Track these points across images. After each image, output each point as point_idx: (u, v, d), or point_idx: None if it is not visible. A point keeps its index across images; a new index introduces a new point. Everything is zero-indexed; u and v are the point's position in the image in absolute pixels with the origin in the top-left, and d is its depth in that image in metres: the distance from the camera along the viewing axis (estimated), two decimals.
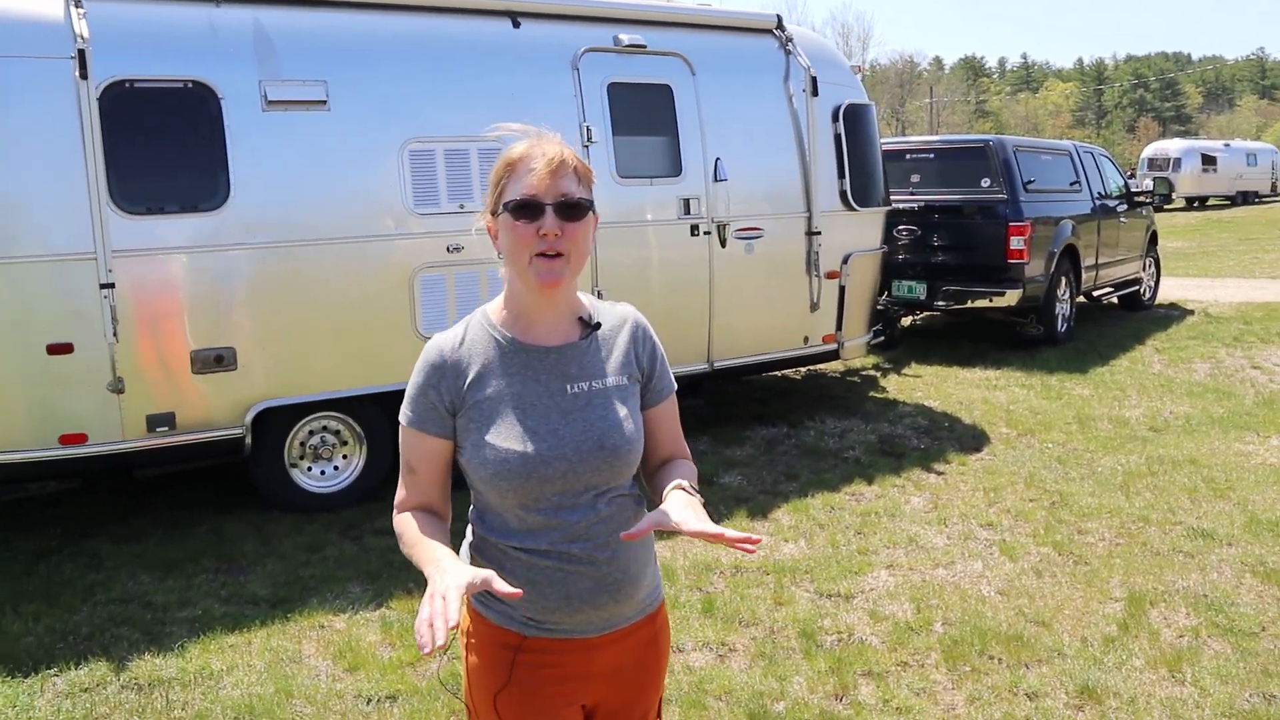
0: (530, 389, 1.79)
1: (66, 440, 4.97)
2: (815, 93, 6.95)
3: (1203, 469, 5.97)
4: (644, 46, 6.45)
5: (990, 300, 9.46)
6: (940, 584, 4.48)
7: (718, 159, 6.61)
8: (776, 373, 8.37)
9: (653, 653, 1.95)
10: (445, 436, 1.81)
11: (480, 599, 1.86)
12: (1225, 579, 4.46)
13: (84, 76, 4.74)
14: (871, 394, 8.23)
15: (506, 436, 1.75)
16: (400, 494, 1.86)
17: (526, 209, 1.72)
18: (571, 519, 1.78)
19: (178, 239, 5.07)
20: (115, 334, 4.87)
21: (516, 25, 6.11)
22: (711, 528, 1.63)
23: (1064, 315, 10.21)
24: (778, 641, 3.97)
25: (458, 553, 1.80)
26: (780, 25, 7.14)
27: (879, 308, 9.11)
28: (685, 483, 1.82)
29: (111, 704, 3.65)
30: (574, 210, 1.73)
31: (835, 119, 7.17)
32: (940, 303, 9.70)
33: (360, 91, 5.48)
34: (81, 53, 4.72)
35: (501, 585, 1.55)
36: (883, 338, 9.06)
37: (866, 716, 3.42)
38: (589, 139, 6.10)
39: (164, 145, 5.07)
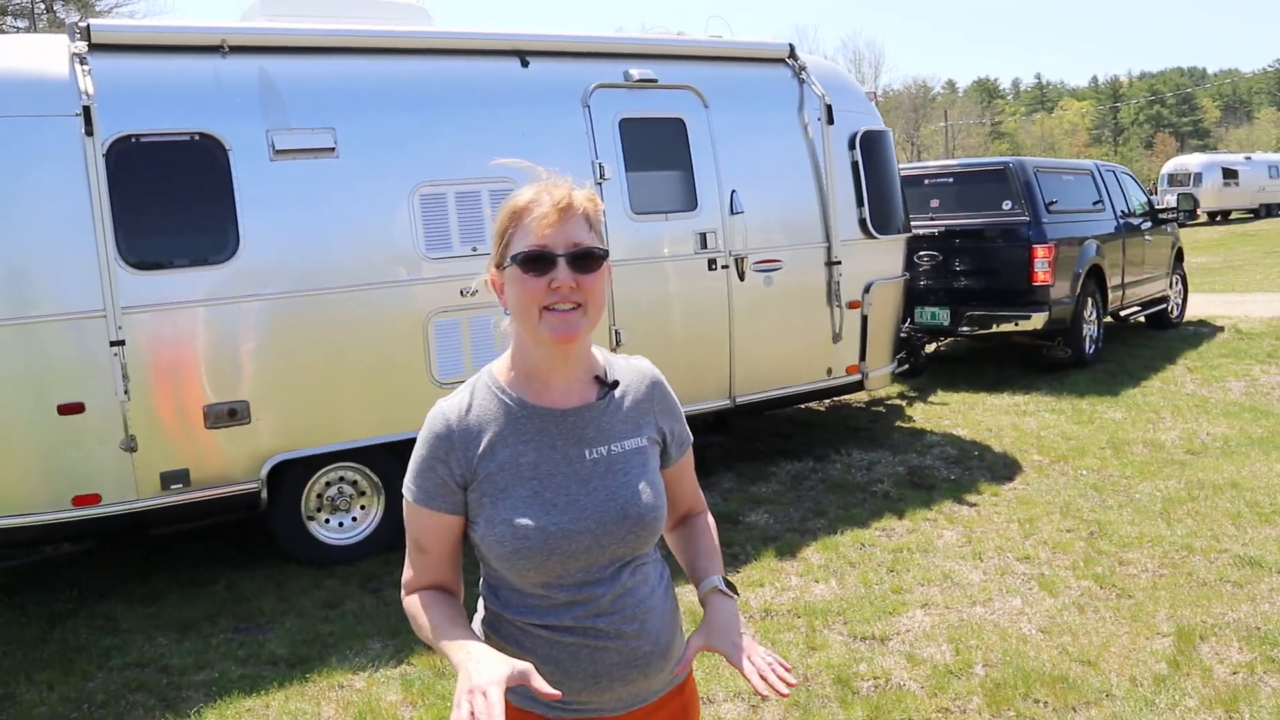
0: (546, 457, 1.67)
1: (80, 501, 4.89)
2: (831, 121, 6.85)
3: (1245, 493, 5.78)
4: (655, 81, 6.38)
5: (1016, 324, 9.29)
6: (979, 623, 4.31)
7: (733, 191, 6.52)
8: (800, 405, 8.22)
9: None
10: (456, 513, 1.68)
11: None
12: (1277, 609, 4.27)
13: (89, 133, 4.70)
14: (898, 424, 8.06)
15: (523, 511, 1.63)
16: (408, 574, 1.72)
17: (536, 261, 1.60)
18: (597, 593, 1.66)
19: (188, 293, 5.00)
20: (126, 391, 4.80)
21: (525, 64, 6.05)
22: (756, 675, 1.58)
23: (1092, 337, 10.01)
24: (812, 690, 3.81)
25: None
26: (793, 54, 7.06)
27: (902, 336, 8.98)
28: (720, 582, 1.76)
29: None
30: (587, 260, 1.62)
31: (852, 146, 7.07)
32: (964, 328, 9.53)
33: (369, 137, 5.43)
34: (87, 109, 4.69)
35: (540, 683, 1.45)
36: (907, 366, 8.90)
37: None
38: (602, 176, 6.02)
39: (172, 199, 5.02)
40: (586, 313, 1.63)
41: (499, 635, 1.71)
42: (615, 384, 1.75)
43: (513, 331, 1.71)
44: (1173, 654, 3.92)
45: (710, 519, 1.95)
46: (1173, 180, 37.56)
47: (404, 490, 1.71)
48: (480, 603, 1.77)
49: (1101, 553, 5.02)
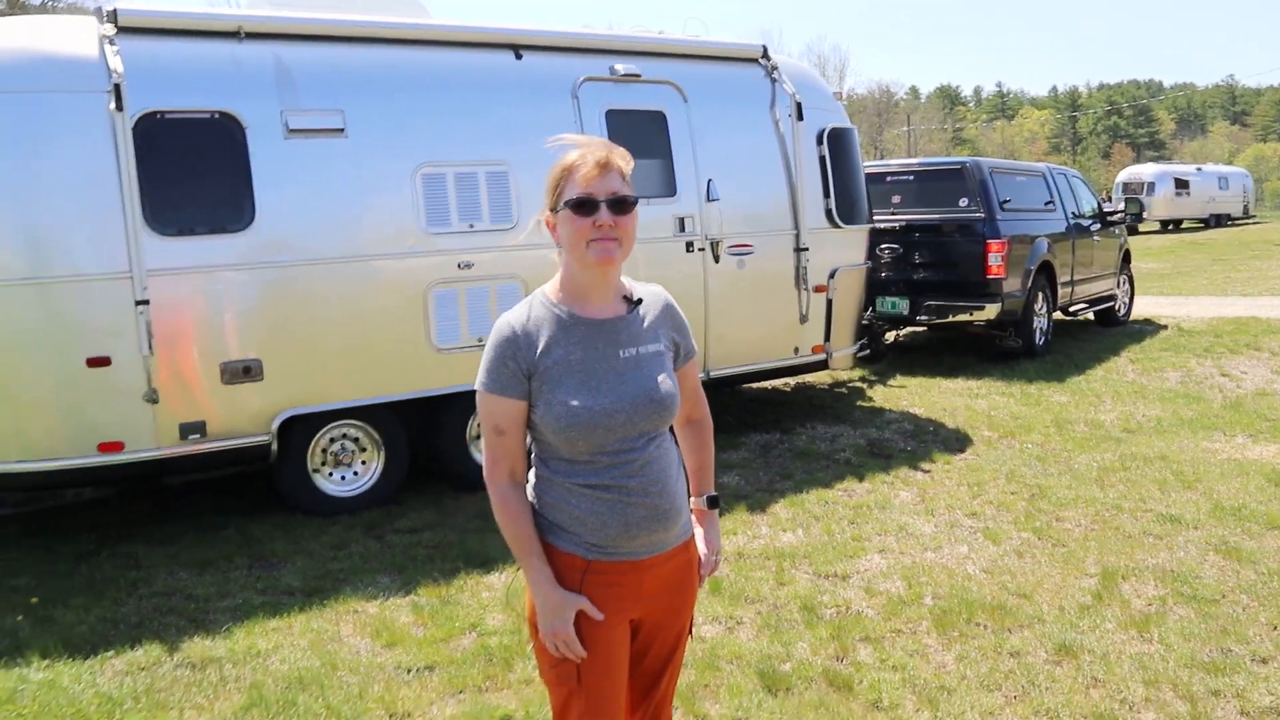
0: (590, 355, 2.13)
1: (105, 448, 5.26)
2: (800, 117, 7.35)
3: (1172, 464, 6.36)
4: (638, 76, 6.84)
5: (970, 315, 9.86)
6: (929, 565, 4.83)
7: (710, 180, 7.00)
8: (767, 384, 8.72)
9: (689, 574, 2.31)
10: (524, 399, 2.13)
11: (549, 529, 2.18)
12: (1191, 556, 4.83)
13: (119, 109, 5.08)
14: (859, 403, 8.60)
15: (576, 394, 2.09)
16: (490, 462, 2.16)
17: (584, 205, 2.07)
18: (630, 458, 2.13)
19: (207, 258, 5.39)
20: (150, 347, 5.18)
21: (519, 57, 6.49)
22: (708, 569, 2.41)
23: (1041, 329, 10.62)
24: (782, 615, 4.31)
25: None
26: (766, 54, 7.55)
27: (864, 323, 9.51)
28: (709, 499, 2.44)
29: (169, 680, 3.93)
30: (622, 205, 2.09)
31: (820, 142, 7.57)
32: (922, 318, 10.09)
33: (376, 120, 5.84)
34: (117, 87, 5.07)
35: (590, 610, 2.13)
36: (868, 352, 9.43)
37: (865, 673, 3.76)
38: None
39: (193, 171, 5.40)
40: (621, 244, 2.11)
41: (549, 497, 2.17)
42: (640, 301, 2.23)
43: (562, 261, 2.18)
44: (1097, 589, 4.46)
45: (710, 426, 2.46)
46: (1127, 189, 38.59)
47: (478, 386, 2.15)
48: (532, 473, 2.22)
49: (1041, 511, 5.56)
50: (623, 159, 2.15)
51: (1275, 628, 4.05)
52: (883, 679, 3.71)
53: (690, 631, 2.39)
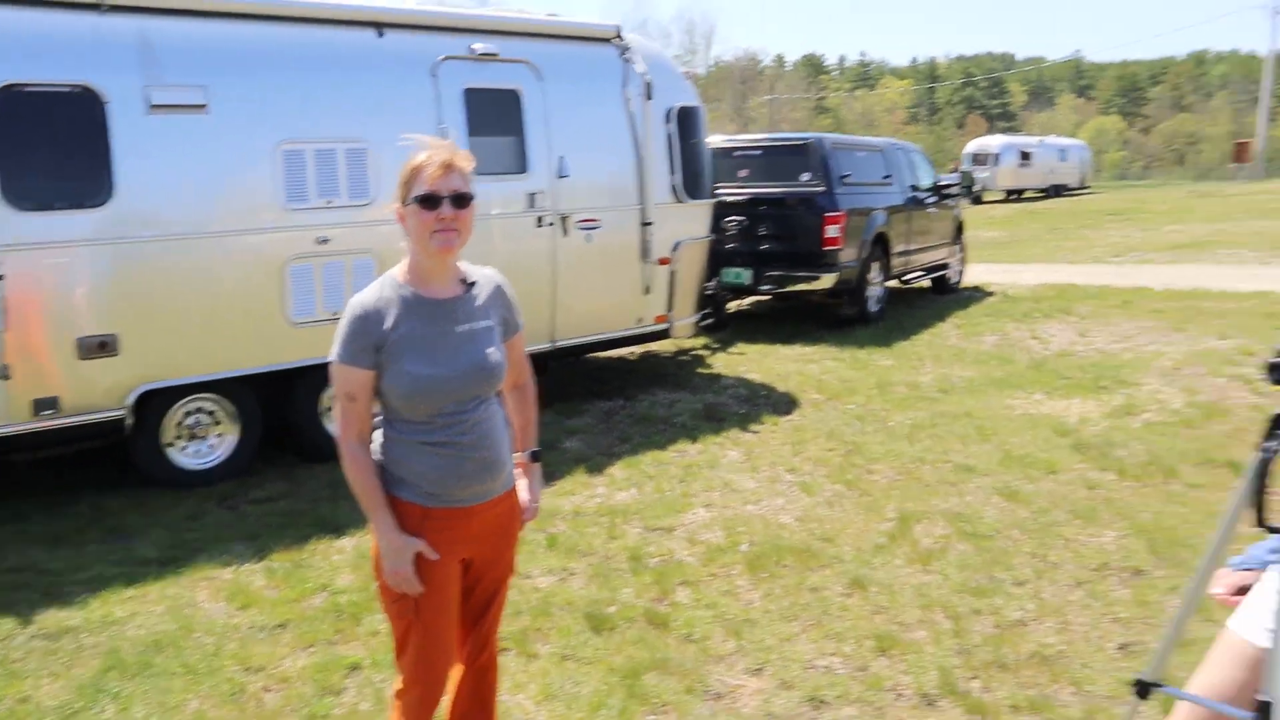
0: (431, 330, 2.50)
1: None
2: (650, 96, 7.75)
3: (975, 420, 7.06)
4: (496, 55, 7.10)
5: (808, 284, 10.49)
6: (748, 516, 5.36)
7: (561, 157, 7.33)
8: (614, 352, 9.15)
9: (512, 519, 2.73)
10: (373, 369, 2.48)
11: (393, 482, 2.54)
12: (977, 500, 5.49)
13: None
14: (699, 370, 9.15)
15: (417, 365, 2.46)
16: (342, 425, 2.51)
17: (429, 201, 2.42)
18: (463, 419, 2.51)
19: (64, 233, 5.43)
20: (3, 323, 5.25)
21: (380, 35, 6.66)
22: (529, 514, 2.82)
23: (876, 297, 11.35)
24: (611, 565, 4.75)
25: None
26: (619, 35, 7.91)
27: (708, 293, 10.03)
28: (532, 453, 2.81)
29: (24, 650, 4.07)
30: (462, 200, 2.45)
31: (668, 120, 7.99)
32: (764, 287, 10.69)
33: (238, 96, 5.93)
34: None
35: (428, 551, 2.50)
36: (712, 320, 9.96)
37: (681, 612, 4.24)
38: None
39: (53, 145, 5.43)
40: (460, 235, 2.47)
41: (393, 454, 2.53)
42: (474, 283, 2.61)
43: (409, 248, 2.53)
44: (893, 531, 5.06)
45: (534, 389, 2.87)
46: (976, 160, 40.45)
47: (333, 358, 2.49)
48: (379, 434, 2.57)
49: (854, 465, 6.17)
50: (464, 160, 2.49)
51: (1034, 555, 4.73)
52: (696, 616, 4.20)
53: (514, 569, 2.80)
